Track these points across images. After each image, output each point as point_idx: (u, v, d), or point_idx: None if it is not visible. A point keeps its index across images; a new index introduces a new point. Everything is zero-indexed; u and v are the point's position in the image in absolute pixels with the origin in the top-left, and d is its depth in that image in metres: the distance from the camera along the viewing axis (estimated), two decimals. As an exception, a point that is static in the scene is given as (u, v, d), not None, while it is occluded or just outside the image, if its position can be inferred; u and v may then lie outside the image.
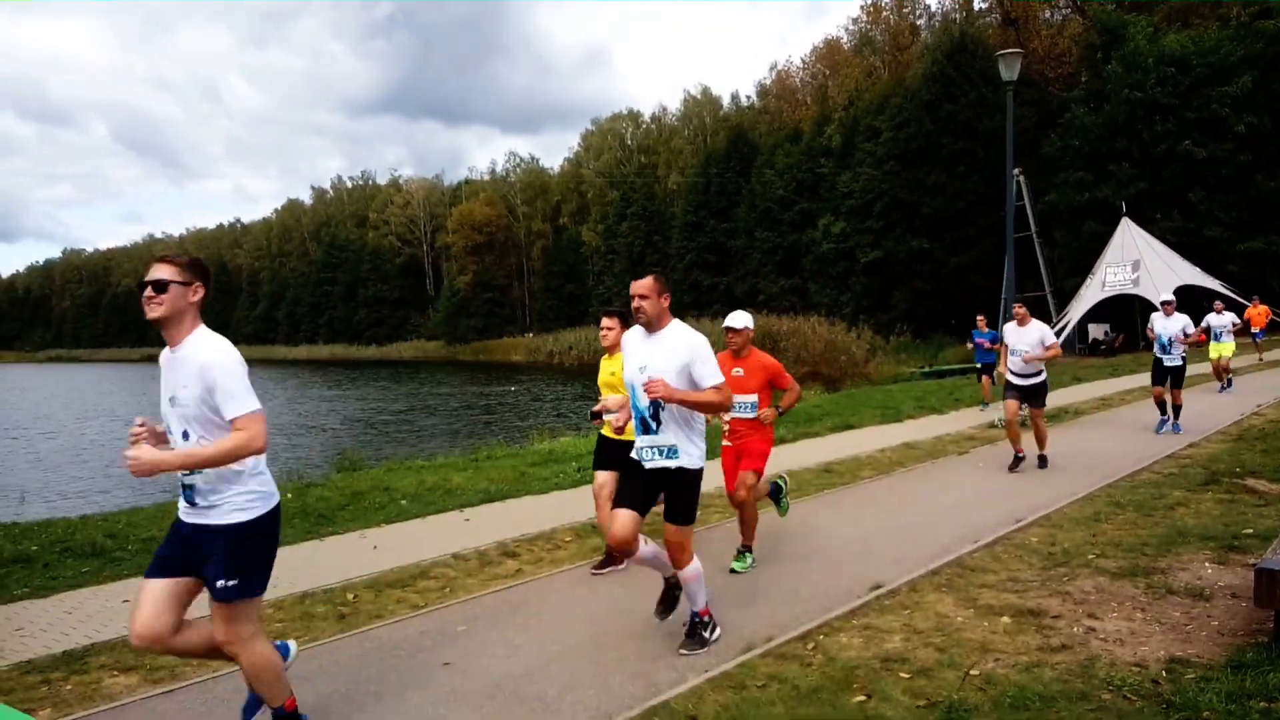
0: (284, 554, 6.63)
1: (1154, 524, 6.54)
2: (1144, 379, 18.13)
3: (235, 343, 3.49)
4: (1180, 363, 11.16)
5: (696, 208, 60.71)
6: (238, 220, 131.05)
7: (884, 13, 60.33)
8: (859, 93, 53.36)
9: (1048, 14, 48.23)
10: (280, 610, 5.39)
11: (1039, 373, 9.21)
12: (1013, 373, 9.25)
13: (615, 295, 68.77)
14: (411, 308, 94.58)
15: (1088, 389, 17.26)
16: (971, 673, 4.00)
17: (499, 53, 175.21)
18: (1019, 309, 9.36)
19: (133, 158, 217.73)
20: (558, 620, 5.06)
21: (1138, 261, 29.44)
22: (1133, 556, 5.69)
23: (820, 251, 47.96)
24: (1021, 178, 33.66)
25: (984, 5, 52.67)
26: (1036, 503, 7.49)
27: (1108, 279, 30.08)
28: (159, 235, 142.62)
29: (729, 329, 6.03)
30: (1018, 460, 9.30)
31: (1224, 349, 15.76)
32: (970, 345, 16.38)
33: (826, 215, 47.89)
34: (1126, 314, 30.57)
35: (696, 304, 58.93)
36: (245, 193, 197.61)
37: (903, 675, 4.02)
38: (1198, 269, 29.13)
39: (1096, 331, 31.47)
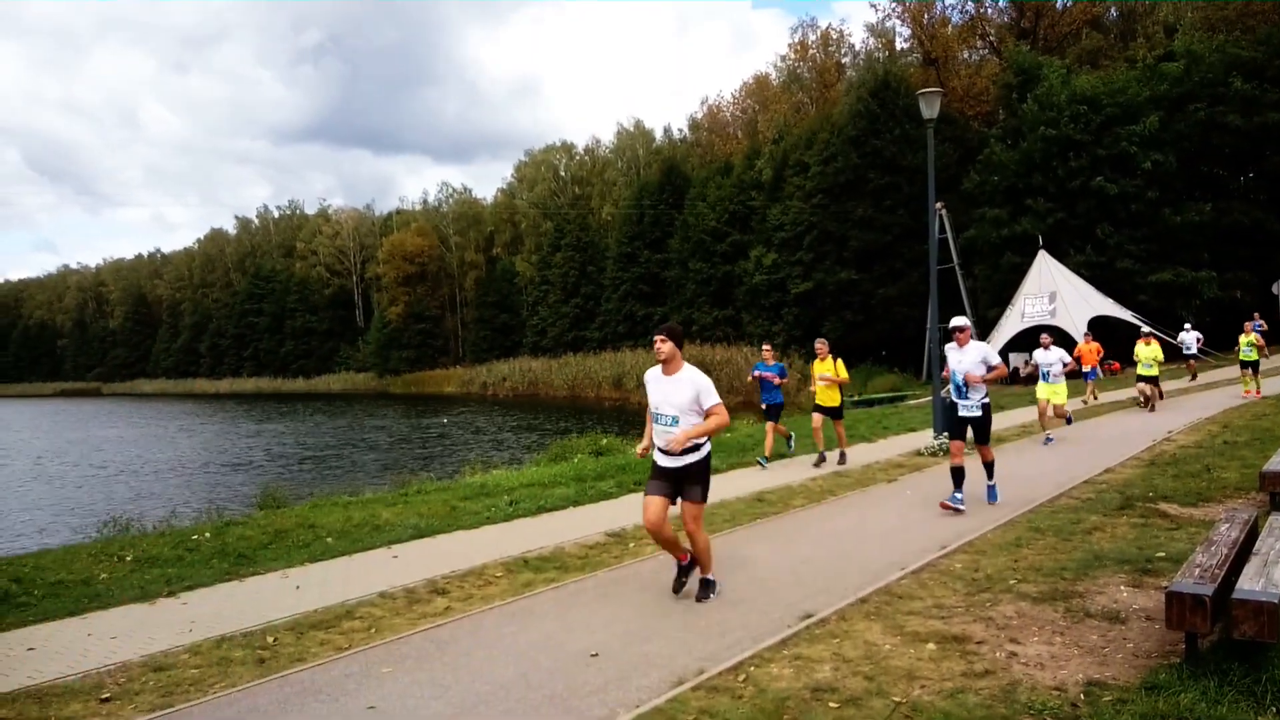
0: (200, 596, 6.43)
1: (1072, 548, 6.74)
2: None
3: (155, 376, 3.39)
4: (980, 413, 8.81)
5: (630, 239, 61.10)
6: (157, 250, 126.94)
7: (810, 50, 61.99)
8: (787, 127, 54.56)
9: (966, 54, 50.14)
10: (196, 655, 5.18)
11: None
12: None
13: (549, 326, 68.69)
14: (341, 339, 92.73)
15: (1009, 416, 17.75)
16: (898, 701, 4.04)
17: (430, 81, 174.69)
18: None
19: (46, 184, 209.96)
20: (487, 659, 4.97)
21: (1054, 293, 30.54)
22: (1052, 581, 5.85)
23: (752, 282, 48.66)
24: (944, 212, 34.73)
25: (905, 45, 54.52)
26: (961, 529, 7.65)
27: (1026, 310, 31.11)
28: (74, 265, 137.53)
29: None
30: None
31: (1053, 392, 13.58)
32: (751, 378, 12.81)
33: (758, 247, 48.67)
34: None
35: (631, 334, 59.15)
36: (165, 221, 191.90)
37: (832, 705, 4.04)
38: (1110, 300, 30.34)
39: (1017, 360, 32.48)
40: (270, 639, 5.44)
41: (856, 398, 29.98)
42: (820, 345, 12.21)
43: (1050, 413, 13.59)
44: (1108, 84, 33.71)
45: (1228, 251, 33.88)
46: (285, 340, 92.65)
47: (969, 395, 8.74)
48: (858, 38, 73.47)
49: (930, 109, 13.71)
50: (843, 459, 12.20)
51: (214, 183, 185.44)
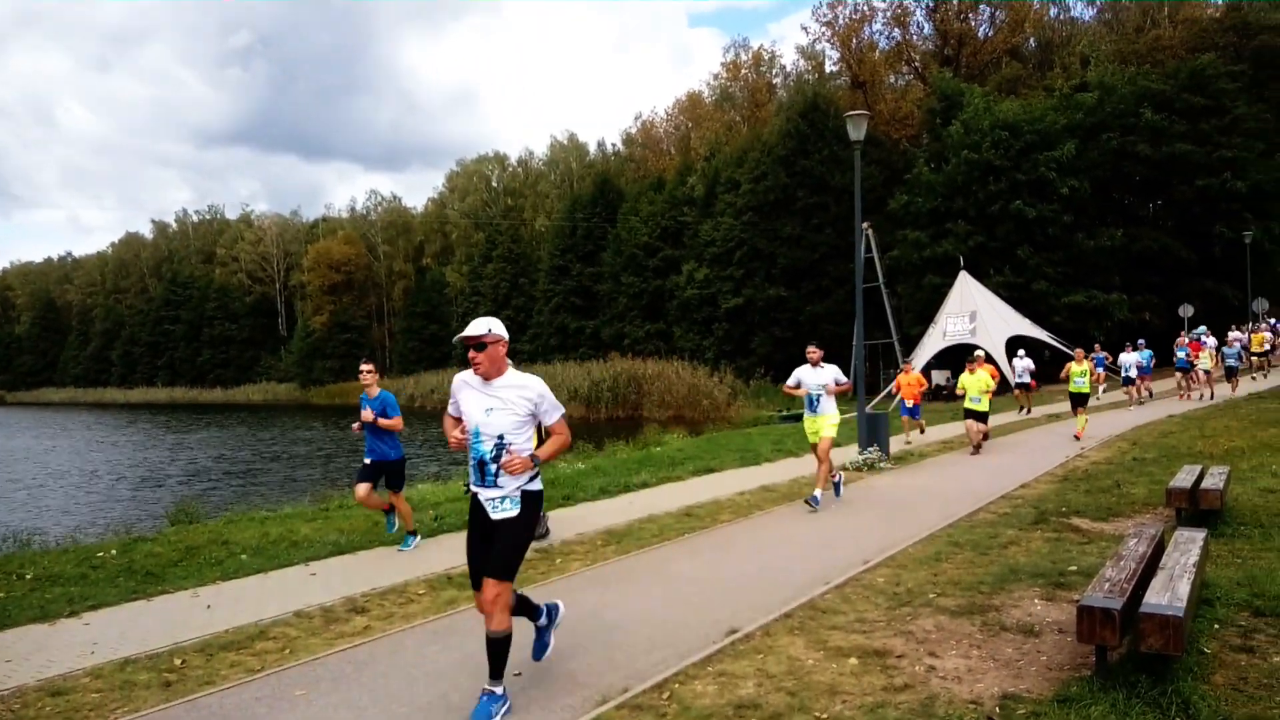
0: (104, 616, 6.14)
1: (989, 563, 6.90)
2: (1003, 418, 19.42)
3: (63, 385, 3.20)
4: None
5: (563, 251, 61.00)
6: (69, 254, 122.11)
7: (743, 70, 63.02)
8: (719, 145, 55.30)
9: (892, 79, 51.58)
10: (97, 679, 4.93)
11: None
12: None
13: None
14: (262, 348, 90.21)
15: (930, 432, 18.18)
16: (820, 716, 4.06)
17: (364, 88, 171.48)
18: (813, 351, 10.22)
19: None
20: (406, 680, 4.84)
21: (975, 312, 31.45)
22: (970, 595, 5.97)
23: (684, 297, 49.03)
24: (870, 232, 35.55)
25: (835, 68, 55.83)
26: (883, 543, 7.77)
27: (948, 328, 31.97)
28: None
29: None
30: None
31: (820, 424, 10.04)
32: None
33: (690, 262, 49.08)
34: (965, 362, 32.55)
35: (563, 347, 58.94)
36: (80, 224, 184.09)
37: (755, 722, 4.04)
38: (1028, 320, 31.40)
39: (939, 378, 33.32)
40: (178, 661, 5.21)
41: (785, 413, 30.34)
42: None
43: (823, 457, 10.01)
44: (1027, 111, 35.04)
45: (1137, 276, 35.49)
46: (202, 349, 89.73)
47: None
48: (789, 59, 74.72)
49: (857, 131, 14.01)
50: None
51: (134, 185, 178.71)
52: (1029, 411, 21.92)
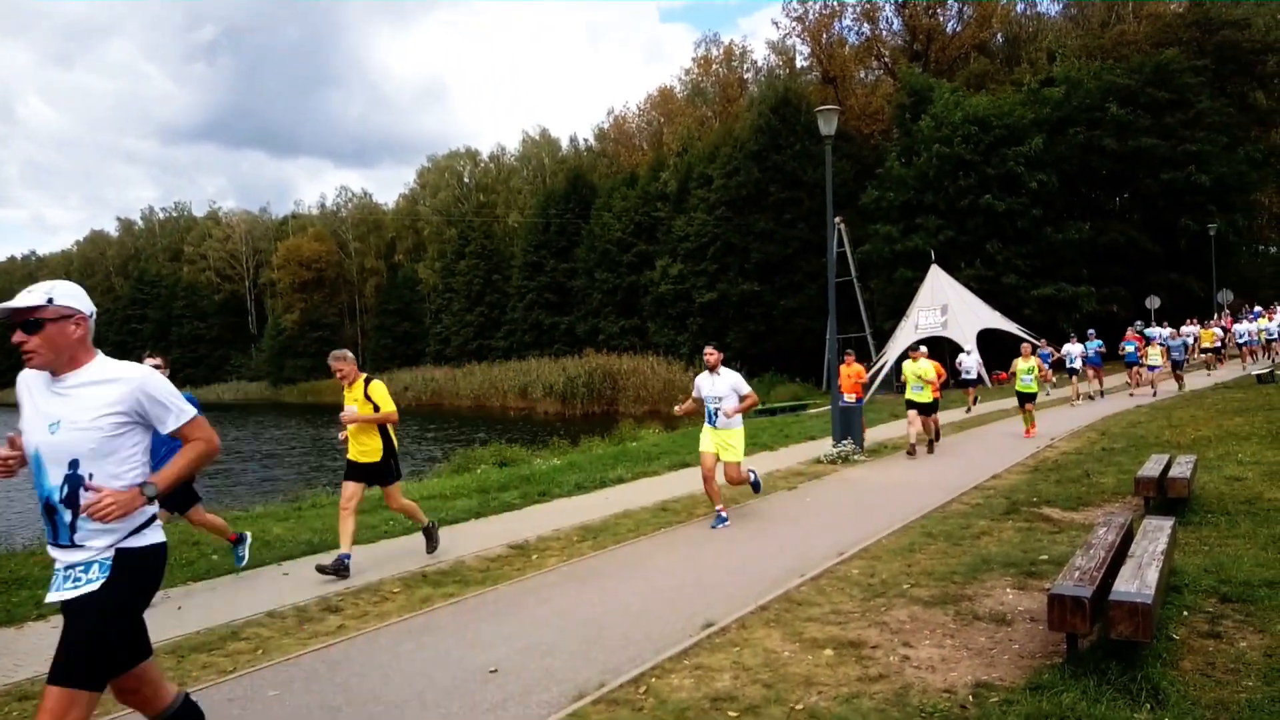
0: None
1: (962, 553, 6.96)
2: (952, 415, 19.51)
3: (23, 383, 3.10)
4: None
5: (536, 247, 60.82)
6: (32, 253, 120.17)
7: (714, 65, 63.09)
8: (692, 140, 55.37)
9: (862, 74, 51.88)
10: (63, 685, 4.84)
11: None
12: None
13: (453, 334, 67.64)
14: (232, 347, 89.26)
15: (904, 425, 18.30)
16: (796, 708, 4.08)
17: (332, 82, 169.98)
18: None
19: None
20: (381, 678, 4.80)
21: (946, 306, 31.76)
22: (943, 585, 6.03)
23: (658, 292, 49.08)
24: (842, 226, 35.76)
25: (805, 64, 56.05)
26: (858, 535, 7.82)
27: (920, 321, 32.25)
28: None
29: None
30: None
31: (721, 441, 8.61)
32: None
33: (664, 257, 49.13)
34: (937, 355, 32.83)
35: (538, 343, 58.80)
36: (44, 223, 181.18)
37: (731, 714, 4.05)
38: (998, 313, 31.74)
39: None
40: (147, 664, 5.12)
41: (759, 406, 30.52)
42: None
43: (720, 480, 8.75)
44: (996, 106, 35.37)
45: (1105, 268, 35.96)
46: (171, 348, 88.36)
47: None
48: (760, 54, 75.07)
49: (828, 126, 14.07)
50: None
51: (98, 183, 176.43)
52: (969, 410, 20.68)
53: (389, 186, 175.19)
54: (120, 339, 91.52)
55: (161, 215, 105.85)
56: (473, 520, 9.39)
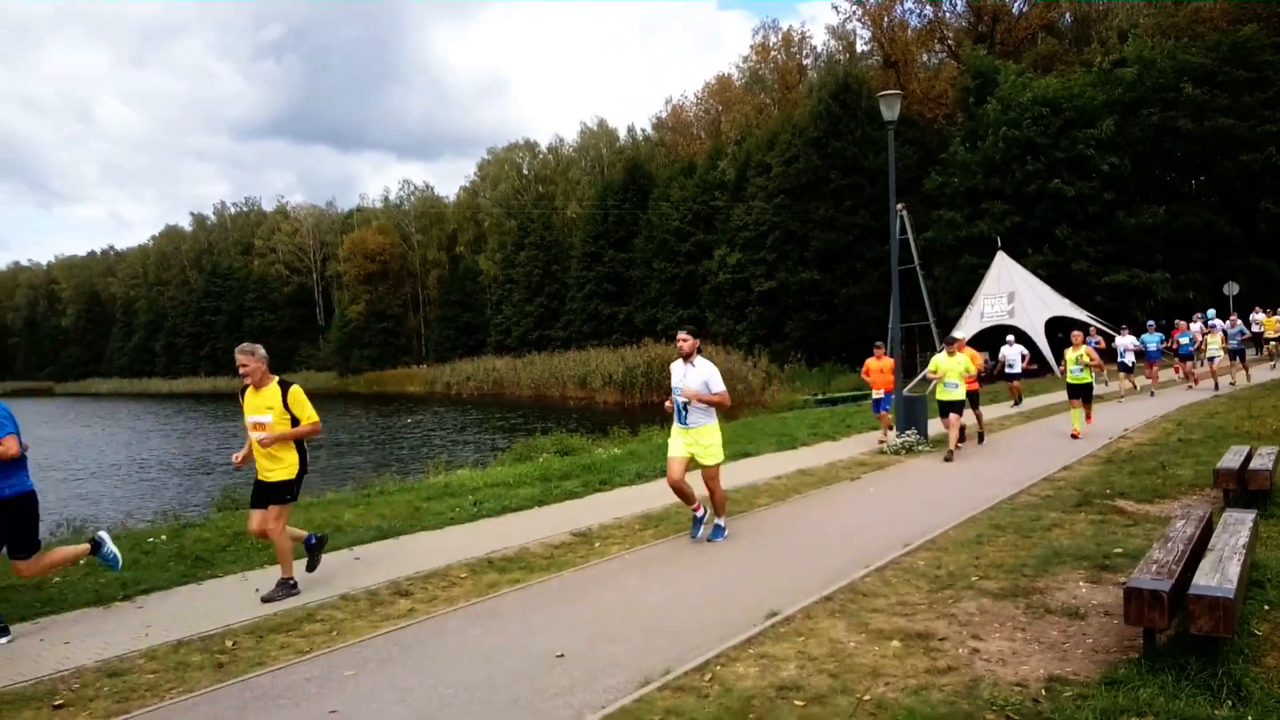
0: (157, 600, 6.29)
1: (1032, 545, 6.83)
2: (994, 411, 19.10)
3: (109, 376, 3.29)
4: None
5: (595, 238, 61.06)
6: (111, 247, 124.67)
7: (772, 52, 62.40)
8: (750, 128, 54.89)
9: (925, 58, 50.81)
10: (153, 660, 5.06)
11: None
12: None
13: (514, 325, 68.36)
14: (301, 338, 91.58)
15: (990, 410, 17.95)
16: (864, 698, 4.06)
17: (396, 78, 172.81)
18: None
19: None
20: (451, 661, 4.91)
21: (1013, 293, 31.01)
22: (1013, 577, 5.92)
23: (716, 282, 48.88)
24: (904, 212, 35.11)
25: (866, 48, 55.12)
26: (923, 527, 7.72)
27: (986, 310, 31.56)
28: (25, 262, 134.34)
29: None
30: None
31: (693, 442, 7.72)
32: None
33: (722, 246, 48.88)
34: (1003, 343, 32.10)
35: (596, 333, 59.07)
36: (120, 218, 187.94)
37: (797, 703, 4.05)
38: (1067, 300, 30.88)
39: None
40: (229, 643, 5.33)
41: (820, 396, 30.24)
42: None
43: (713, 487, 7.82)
44: (1066, 87, 34.34)
45: (1180, 253, 34.70)
46: (243, 339, 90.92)
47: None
48: (819, 40, 74.16)
49: (891, 111, 13.84)
50: None
51: (171, 179, 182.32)
52: (1015, 405, 19.19)
53: (450, 179, 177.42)
54: (195, 331, 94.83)
55: (233, 210, 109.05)
56: (536, 508, 9.51)
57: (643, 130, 75.98)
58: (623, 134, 77.38)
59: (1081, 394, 13.62)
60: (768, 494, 9.95)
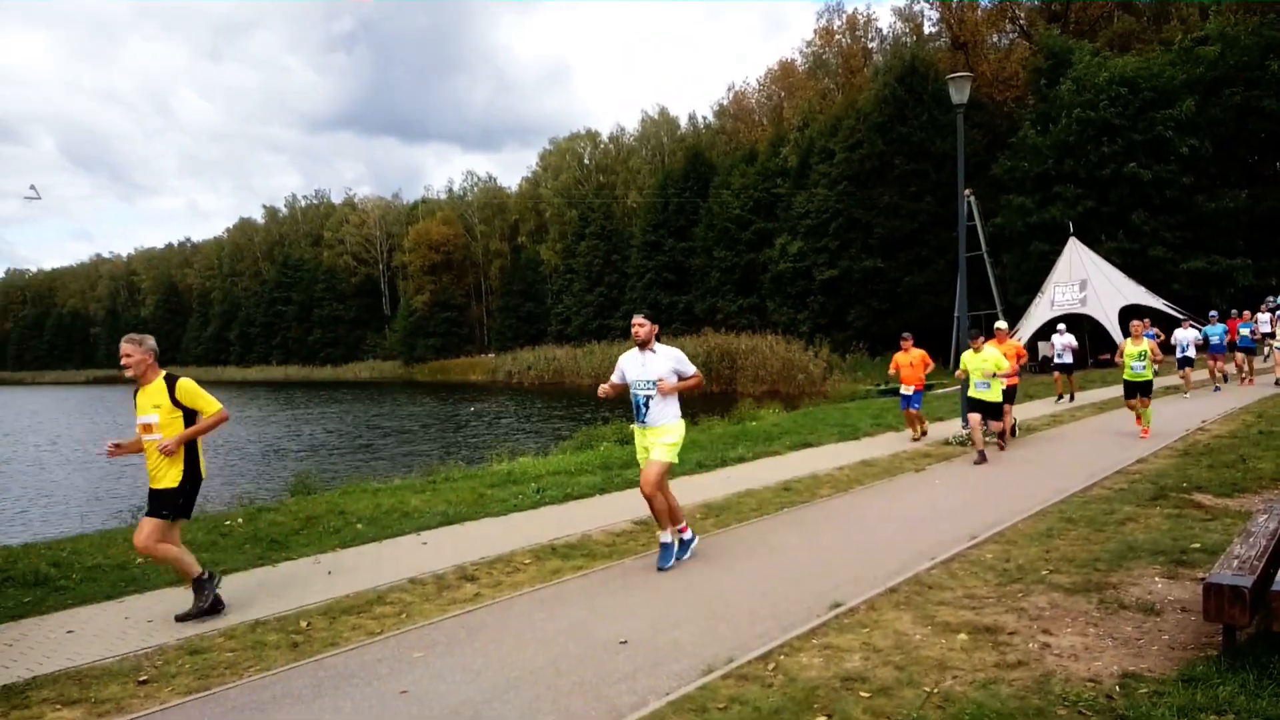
0: (234, 580, 6.52)
1: (1105, 539, 6.66)
2: (1092, 395, 18.57)
3: (185, 364, 3.43)
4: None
5: (655, 227, 61.00)
6: (188, 239, 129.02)
7: (836, 36, 61.41)
8: (813, 114, 54.17)
9: (995, 38, 49.45)
10: (231, 639, 5.26)
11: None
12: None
13: (574, 314, 68.81)
14: (368, 327, 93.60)
15: (1039, 405, 17.57)
16: (930, 691, 4.02)
17: (460, 68, 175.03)
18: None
19: (81, 173, 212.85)
20: (517, 645, 5.00)
21: (1085, 281, 30.12)
22: (1085, 572, 5.79)
23: (777, 270, 48.44)
24: (972, 198, 34.36)
25: (934, 30, 53.87)
26: (991, 519, 7.59)
27: (1057, 298, 30.72)
28: (106, 254, 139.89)
29: None
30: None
31: (650, 440, 6.78)
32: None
33: (783, 235, 48.40)
34: (1075, 333, 31.23)
35: (656, 322, 58.89)
36: (197, 210, 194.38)
37: (863, 695, 4.03)
38: (1143, 288, 29.86)
39: (1047, 349, 32.11)
40: (303, 623, 5.50)
41: (883, 386, 29.83)
42: None
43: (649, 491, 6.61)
44: (1144, 66, 33.13)
45: (1263, 239, 33.27)
46: (313, 328, 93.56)
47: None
48: (885, 22, 72.76)
49: (960, 94, 13.54)
50: None
51: (247, 171, 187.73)
52: (1071, 398, 18.18)
53: (513, 169, 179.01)
54: (268, 320, 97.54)
55: (303, 202, 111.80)
56: (597, 496, 9.60)
57: (704, 118, 75.67)
58: (684, 122, 77.15)
59: (1140, 392, 12.46)
60: (830, 484, 9.88)
